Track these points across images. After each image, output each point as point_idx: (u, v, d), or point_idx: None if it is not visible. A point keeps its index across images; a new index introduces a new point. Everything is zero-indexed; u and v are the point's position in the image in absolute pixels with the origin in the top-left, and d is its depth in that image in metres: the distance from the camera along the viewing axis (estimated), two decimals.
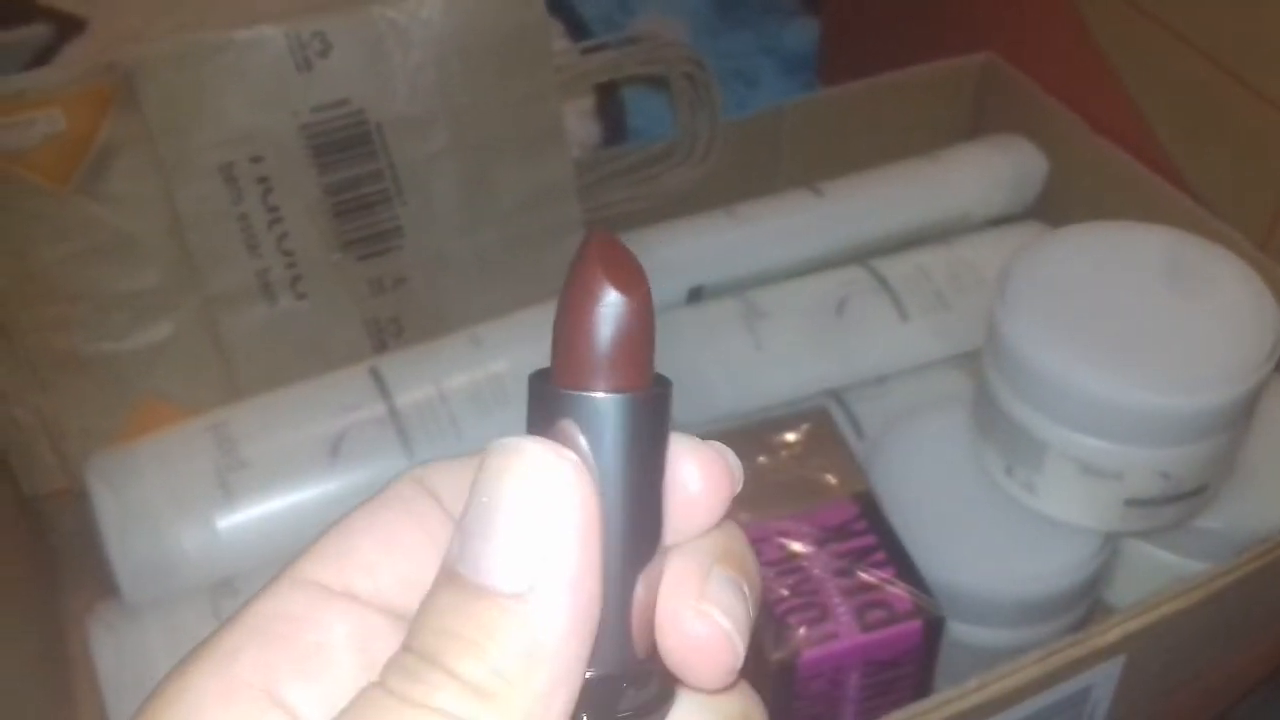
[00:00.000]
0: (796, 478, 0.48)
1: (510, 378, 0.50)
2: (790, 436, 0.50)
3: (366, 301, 0.54)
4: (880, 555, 0.45)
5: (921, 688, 0.45)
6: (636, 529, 0.18)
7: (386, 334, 0.55)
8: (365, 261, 0.53)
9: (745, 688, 0.20)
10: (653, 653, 0.19)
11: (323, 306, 0.53)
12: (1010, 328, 0.46)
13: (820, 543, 0.45)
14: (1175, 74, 0.57)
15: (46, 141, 0.47)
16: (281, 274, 0.52)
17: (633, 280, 0.18)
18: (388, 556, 0.19)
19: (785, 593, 0.44)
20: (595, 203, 0.59)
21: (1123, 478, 0.45)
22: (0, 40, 0.53)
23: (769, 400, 0.55)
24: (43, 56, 0.53)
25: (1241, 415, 0.45)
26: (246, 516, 0.47)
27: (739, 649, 0.18)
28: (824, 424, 0.51)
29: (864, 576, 0.44)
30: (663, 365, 0.19)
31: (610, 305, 0.17)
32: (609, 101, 0.67)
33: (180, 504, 0.47)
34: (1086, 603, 0.49)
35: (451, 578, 0.17)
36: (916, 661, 0.44)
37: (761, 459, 0.49)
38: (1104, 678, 0.42)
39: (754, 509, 0.46)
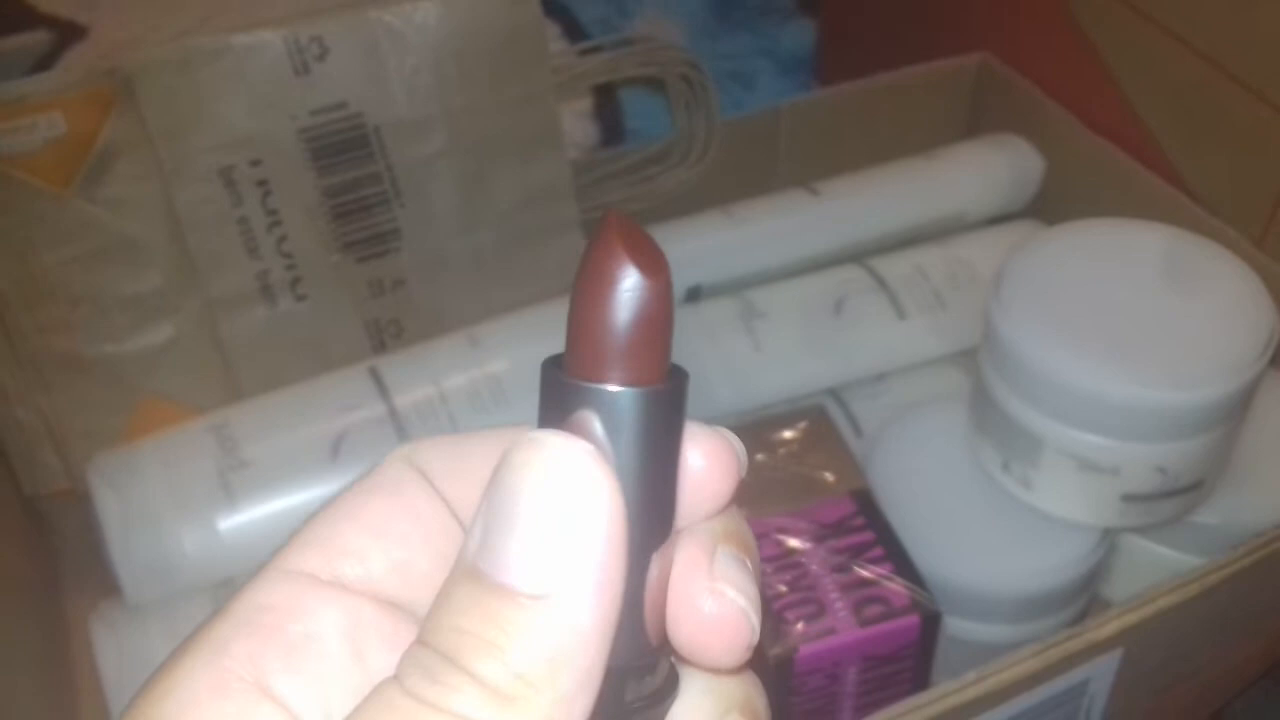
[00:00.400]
0: (795, 475, 0.48)
1: (508, 377, 0.51)
2: (788, 434, 0.50)
3: (366, 303, 0.54)
4: (878, 551, 0.45)
5: (919, 683, 0.45)
6: (651, 521, 0.17)
7: (386, 335, 0.55)
8: (364, 263, 0.53)
9: (748, 672, 0.20)
10: (662, 640, 0.18)
11: (322, 308, 0.54)
12: (1007, 325, 0.46)
13: (818, 539, 0.45)
14: (1170, 72, 0.57)
15: (47, 145, 0.47)
16: (281, 276, 0.52)
17: (656, 263, 0.17)
18: (377, 542, 0.19)
19: (783, 588, 0.44)
20: (593, 203, 0.59)
21: (1119, 473, 0.45)
22: (2, 47, 0.54)
23: (768, 399, 0.55)
24: (44, 63, 0.53)
25: (1237, 410, 0.45)
26: (248, 517, 0.48)
27: (755, 624, 0.18)
28: (822, 422, 0.51)
29: (861, 572, 0.44)
30: None
31: (632, 289, 0.16)
32: (606, 103, 0.67)
33: (182, 504, 0.47)
34: (1084, 598, 0.49)
35: (470, 572, 0.16)
36: (914, 657, 0.44)
37: (760, 456, 0.49)
38: (1101, 671, 0.42)
39: (752, 506, 0.46)
